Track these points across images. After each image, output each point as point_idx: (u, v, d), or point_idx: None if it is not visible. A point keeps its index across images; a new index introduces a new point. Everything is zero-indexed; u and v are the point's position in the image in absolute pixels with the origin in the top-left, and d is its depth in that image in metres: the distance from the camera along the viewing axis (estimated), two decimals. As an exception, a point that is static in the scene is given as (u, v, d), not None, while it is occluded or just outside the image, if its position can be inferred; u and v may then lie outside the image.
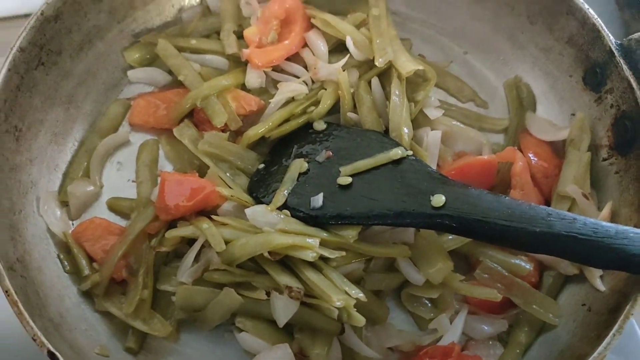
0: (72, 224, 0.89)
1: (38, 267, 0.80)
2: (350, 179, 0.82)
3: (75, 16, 0.91)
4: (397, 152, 0.82)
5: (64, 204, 0.89)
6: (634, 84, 0.83)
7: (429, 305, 0.85)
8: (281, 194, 0.82)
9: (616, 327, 0.70)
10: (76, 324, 0.79)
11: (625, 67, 0.84)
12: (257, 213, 0.81)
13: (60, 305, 0.79)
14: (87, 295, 0.83)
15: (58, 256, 0.85)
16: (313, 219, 0.80)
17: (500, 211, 0.72)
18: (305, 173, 0.85)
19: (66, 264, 0.84)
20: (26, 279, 0.76)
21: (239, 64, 0.98)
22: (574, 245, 0.68)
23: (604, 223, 0.69)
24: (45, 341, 0.66)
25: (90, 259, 0.85)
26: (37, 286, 0.77)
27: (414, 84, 0.95)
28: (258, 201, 0.85)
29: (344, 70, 0.94)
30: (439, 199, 0.75)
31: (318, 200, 0.81)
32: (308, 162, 0.86)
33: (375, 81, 0.95)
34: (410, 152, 0.83)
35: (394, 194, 0.79)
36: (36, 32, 0.85)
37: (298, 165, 0.85)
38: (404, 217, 0.77)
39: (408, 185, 0.79)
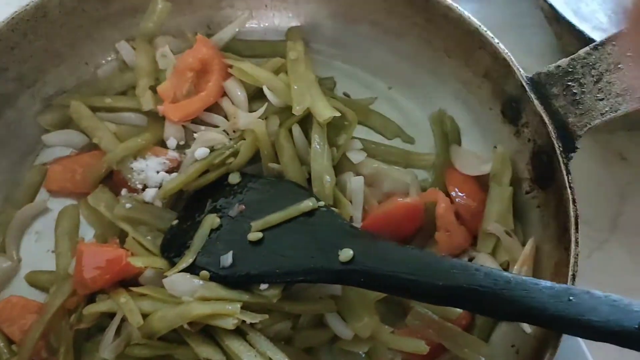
0: (-11, 304, 0.85)
1: (-51, 359, 0.77)
2: (261, 235, 0.81)
3: (-21, 88, 0.88)
4: (307, 204, 0.81)
5: (-21, 284, 0.85)
6: (546, 119, 0.83)
7: (363, 358, 0.84)
8: (189, 255, 0.80)
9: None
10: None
11: (536, 101, 0.84)
12: (175, 282, 0.79)
13: (-24, 396, 0.76)
14: (7, 381, 0.80)
15: (-26, 342, 0.81)
16: (222, 279, 0.78)
17: (407, 265, 0.72)
18: (217, 229, 0.84)
19: (-16, 349, 0.81)
20: None
21: (157, 118, 0.96)
22: (476, 297, 0.68)
23: (505, 274, 0.69)
24: None
25: (10, 341, 0.82)
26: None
27: (336, 127, 0.94)
28: (170, 261, 0.83)
29: (265, 118, 0.93)
30: (346, 254, 0.75)
31: (227, 258, 0.80)
32: (221, 217, 0.85)
33: (296, 128, 0.94)
34: (322, 203, 0.82)
35: (304, 250, 0.78)
36: None
37: (210, 222, 0.84)
38: (312, 274, 0.77)
39: (318, 239, 0.79)
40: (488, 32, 0.90)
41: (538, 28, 1.22)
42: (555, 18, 1.13)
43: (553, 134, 0.82)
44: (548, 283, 0.68)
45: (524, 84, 0.85)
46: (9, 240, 0.89)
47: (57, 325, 0.81)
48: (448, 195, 0.92)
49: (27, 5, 0.90)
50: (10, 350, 0.81)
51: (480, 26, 0.90)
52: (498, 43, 0.89)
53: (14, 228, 0.89)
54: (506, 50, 0.88)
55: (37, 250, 0.90)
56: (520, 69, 0.86)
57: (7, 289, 0.87)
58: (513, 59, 0.87)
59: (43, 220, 0.92)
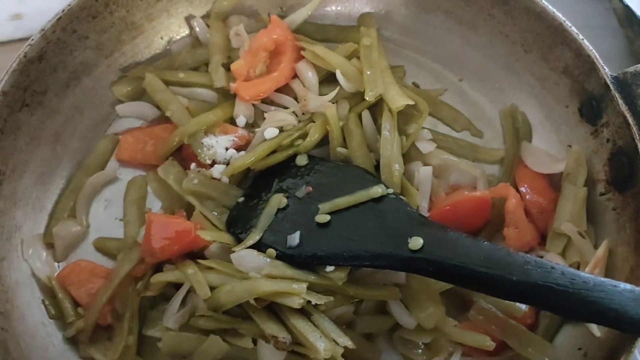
0: (58, 266, 0.87)
1: (21, 316, 0.79)
2: (328, 217, 0.80)
3: (60, 55, 0.90)
4: (377, 191, 0.81)
5: (50, 246, 0.88)
6: (630, 120, 0.80)
7: (422, 347, 0.83)
8: (257, 232, 0.81)
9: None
10: (60, 373, 0.78)
11: (620, 101, 0.81)
12: (243, 258, 0.79)
13: (43, 354, 0.79)
14: (72, 341, 0.82)
15: (43, 302, 0.84)
16: (289, 258, 0.79)
17: (478, 257, 0.70)
18: (284, 209, 0.84)
19: (51, 309, 0.83)
20: (7, 331, 0.75)
21: (227, 96, 0.97)
22: (550, 295, 0.67)
23: (582, 274, 0.67)
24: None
25: (76, 304, 0.84)
26: (19, 337, 0.77)
27: (406, 115, 0.93)
28: (236, 237, 0.83)
29: (334, 102, 0.93)
30: (416, 242, 0.74)
31: (294, 238, 0.80)
32: (287, 198, 0.85)
33: (366, 114, 0.93)
34: (390, 191, 0.82)
35: (372, 235, 0.77)
36: (19, 75, 0.84)
37: (277, 201, 0.84)
38: (380, 260, 0.76)
39: (386, 225, 0.78)
40: (573, 28, 0.87)
41: (607, 30, 1.18)
42: (629, 20, 1.09)
43: (637, 135, 0.79)
44: (628, 286, 0.66)
45: (609, 82, 0.82)
46: (79, 206, 0.90)
47: (124, 292, 0.82)
48: (517, 191, 0.90)
49: (111, -24, 0.92)
50: (76, 313, 0.83)
51: (564, 21, 0.88)
52: (583, 40, 0.86)
53: (85, 194, 0.91)
54: (590, 47, 0.86)
55: (106, 217, 0.92)
56: (605, 67, 0.84)
57: (75, 253, 0.89)
58: (598, 57, 0.85)
59: (112, 189, 0.94)
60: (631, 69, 0.82)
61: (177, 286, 0.82)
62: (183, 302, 0.81)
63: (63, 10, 0.88)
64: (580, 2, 1.22)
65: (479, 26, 0.99)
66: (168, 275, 0.81)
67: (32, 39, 0.86)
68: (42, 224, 0.89)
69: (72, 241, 0.89)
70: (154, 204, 0.93)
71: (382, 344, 0.84)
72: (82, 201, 0.91)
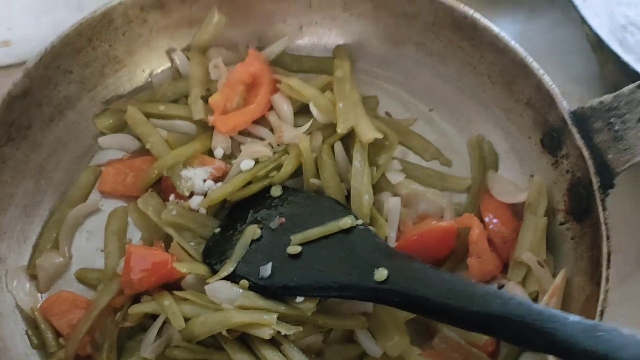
0: (41, 297, 0.91)
1: (4, 347, 0.83)
2: (300, 248, 0.84)
3: (45, 90, 0.93)
4: (346, 222, 0.84)
5: (33, 277, 0.91)
6: (585, 153, 0.84)
7: (389, 374, 0.86)
8: (231, 264, 0.84)
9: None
10: (41, 403, 0.81)
11: (577, 135, 0.85)
12: (217, 289, 0.83)
13: (26, 384, 0.82)
14: (54, 371, 0.86)
15: (26, 332, 0.87)
16: (261, 289, 0.82)
17: (441, 288, 0.74)
18: (258, 240, 0.88)
19: (34, 339, 0.87)
20: (-10, 363, 0.78)
21: (206, 128, 1.01)
22: (508, 325, 0.70)
23: (538, 305, 0.71)
24: None
25: (58, 334, 0.87)
26: (2, 368, 0.80)
27: (377, 146, 0.97)
28: (211, 268, 0.87)
29: (309, 133, 0.97)
30: (382, 273, 0.77)
31: (267, 269, 0.83)
32: (262, 229, 0.88)
33: (338, 145, 0.97)
34: (360, 222, 0.85)
35: (341, 266, 0.81)
36: (4, 112, 0.88)
37: (251, 232, 0.88)
38: (348, 290, 0.80)
39: (355, 256, 0.81)
40: (534, 63, 0.91)
41: (581, 55, 1.21)
42: (599, 47, 1.13)
43: (592, 168, 0.83)
44: (577, 317, 0.69)
45: (567, 117, 0.86)
46: (62, 238, 0.94)
47: (103, 322, 0.86)
48: (482, 220, 0.93)
49: (95, 12, 0.96)
50: (57, 343, 0.86)
51: (526, 56, 0.91)
52: (544, 74, 0.90)
53: (68, 226, 0.95)
54: (551, 82, 0.90)
55: (88, 248, 0.95)
56: (564, 102, 0.88)
57: (58, 284, 0.92)
58: (557, 91, 0.89)
59: (94, 220, 0.97)
60: (587, 104, 0.86)
61: (154, 317, 0.85)
62: (159, 333, 0.84)
63: (46, 48, 0.92)
64: (556, 26, 1.26)
65: (448, 58, 1.02)
66: (145, 306, 0.84)
67: (17, 78, 0.89)
68: (26, 255, 0.93)
69: (55, 272, 0.92)
70: (135, 234, 0.96)
71: (352, 371, 0.88)
72: (65, 233, 0.95)
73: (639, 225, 1.09)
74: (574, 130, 0.86)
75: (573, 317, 0.70)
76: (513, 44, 0.93)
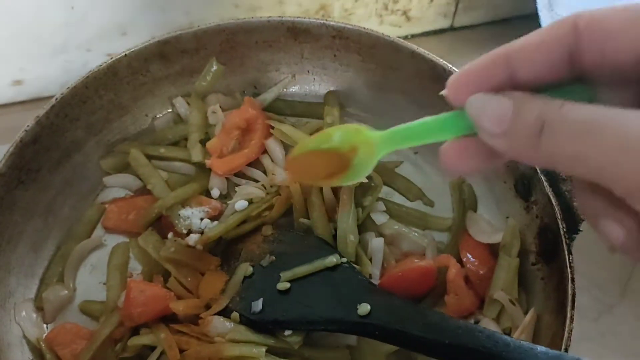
0: (47, 328, 0.97)
1: (11, 377, 0.89)
2: (288, 285, 0.91)
3: (54, 136, 1.01)
4: (332, 260, 0.91)
5: (40, 309, 0.97)
6: (553, 201, 0.91)
7: (372, 405, 0.92)
8: (224, 300, 0.91)
9: None
10: None
11: (545, 183, 0.92)
12: (209, 323, 0.89)
13: (31, 411, 0.88)
14: (57, 399, 0.91)
15: (32, 362, 0.93)
16: (251, 323, 0.88)
17: (417, 322, 0.80)
18: (250, 276, 0.94)
19: (39, 368, 0.93)
20: (-2, 392, 0.84)
21: (204, 169, 1.08)
22: (478, 356, 0.76)
23: (505, 337, 0.77)
24: None
25: (61, 363, 0.93)
26: (10, 397, 0.86)
27: (363, 188, 1.04)
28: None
29: (299, 176, 1.04)
30: (364, 308, 0.84)
31: (258, 305, 0.89)
32: (253, 266, 0.95)
33: (327, 188, 1.04)
34: (344, 260, 0.92)
35: (326, 301, 0.87)
36: (15, 157, 0.95)
37: (244, 269, 0.94)
38: (333, 324, 0.86)
39: (339, 292, 0.88)
40: (506, 115, 0.98)
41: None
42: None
43: (559, 214, 0.90)
44: (542, 348, 0.75)
45: (536, 166, 0.93)
46: (68, 271, 1.00)
47: (104, 353, 0.91)
48: (460, 259, 1.00)
49: (101, 65, 1.04)
50: (61, 372, 0.92)
51: (499, 109, 0.99)
52: (515, 126, 0.97)
53: (73, 260, 1.01)
54: (522, 133, 0.97)
55: (91, 281, 1.01)
56: (533, 152, 0.95)
57: (62, 315, 0.98)
58: (527, 142, 0.96)
59: (98, 254, 1.03)
60: (555, 154, 0.93)
61: (152, 348, 0.91)
62: (157, 362, 0.90)
63: (56, 99, 0.99)
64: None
65: (429, 106, 1.05)
66: (143, 338, 0.90)
67: (28, 125, 0.97)
68: (33, 289, 0.99)
69: (60, 304, 0.98)
70: (136, 268, 1.03)
71: (338, 401, 0.93)
72: (70, 267, 1.01)
73: (620, 256, 1.14)
74: (542, 178, 0.93)
75: (539, 348, 0.76)
76: (489, 95, 1.00)
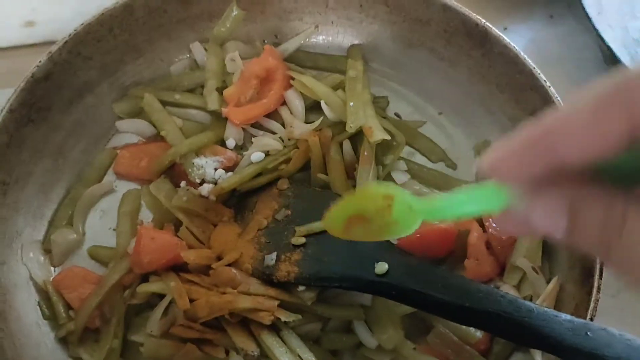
0: (54, 271, 0.95)
1: (17, 317, 0.86)
2: (303, 240, 0.88)
3: (66, 74, 0.97)
4: None
5: (48, 251, 0.95)
6: (585, 166, 0.86)
7: (383, 365, 0.90)
8: (236, 251, 0.88)
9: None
10: (49, 371, 0.85)
11: (578, 148, 0.87)
12: (221, 274, 0.86)
13: (35, 353, 0.86)
14: (63, 342, 0.90)
15: (38, 303, 0.91)
16: (264, 276, 0.86)
17: (437, 284, 0.78)
18: (263, 229, 0.91)
19: (46, 310, 0.91)
20: (4, 331, 0.82)
21: (220, 118, 1.04)
22: (498, 321, 0.74)
23: (528, 303, 0.74)
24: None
25: (68, 307, 0.91)
26: (14, 336, 0.84)
27: (385, 146, 1.00)
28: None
29: (319, 130, 1.00)
30: (382, 267, 0.81)
31: (272, 258, 0.86)
32: (267, 220, 0.91)
33: (346, 143, 1.00)
34: None
35: (342, 258, 0.84)
36: (26, 94, 0.91)
37: (257, 222, 0.91)
38: (348, 282, 0.83)
39: (356, 250, 0.84)
40: (541, 75, 0.94)
41: (595, 63, 1.23)
42: (611, 59, 1.15)
43: (590, 180, 0.86)
44: (568, 316, 0.73)
45: (569, 130, 0.89)
46: (77, 215, 0.98)
47: (112, 298, 0.89)
48: (482, 223, 0.96)
49: (117, 2, 0.99)
50: (68, 316, 0.90)
51: (534, 68, 0.94)
52: (550, 87, 0.93)
53: (82, 204, 0.98)
54: (557, 95, 0.92)
55: (101, 227, 0.99)
56: (567, 115, 0.90)
57: (70, 259, 0.96)
58: (562, 104, 0.91)
59: (108, 200, 1.01)
60: (591, 118, 0.88)
61: (161, 296, 0.89)
62: (165, 311, 0.88)
63: (69, 35, 0.95)
64: (572, 34, 1.27)
65: (458, 64, 1.05)
66: (153, 286, 0.88)
67: (40, 61, 0.93)
68: (42, 231, 0.96)
69: (68, 248, 0.96)
70: (147, 216, 1.00)
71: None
72: (80, 211, 0.98)
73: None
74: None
75: (564, 316, 0.73)
76: (522, 55, 0.95)
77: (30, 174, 0.95)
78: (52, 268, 0.95)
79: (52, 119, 0.97)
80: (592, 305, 0.79)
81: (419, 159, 1.07)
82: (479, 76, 1.03)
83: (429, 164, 1.06)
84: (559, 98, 0.92)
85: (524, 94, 0.97)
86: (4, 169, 0.90)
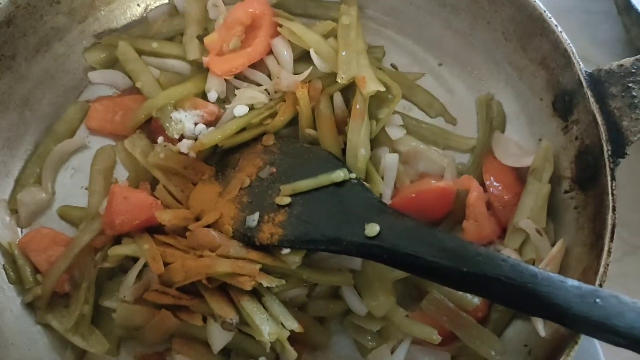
0: (21, 232, 0.88)
1: (-22, 281, 0.81)
2: (289, 199, 0.81)
3: (30, 19, 0.89)
4: (339, 175, 0.81)
5: (14, 211, 0.89)
6: (599, 119, 0.79)
7: (373, 333, 0.84)
8: (216, 211, 0.81)
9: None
10: (14, 338, 0.81)
11: (592, 99, 0.80)
12: (198, 236, 0.80)
13: (0, 318, 0.80)
14: (30, 307, 0.84)
15: (3, 266, 0.85)
16: (245, 239, 0.79)
17: (432, 247, 0.71)
18: (246, 188, 0.84)
19: (11, 274, 0.85)
20: (-37, 295, 0.77)
21: (200, 69, 0.96)
22: (499, 287, 0.67)
23: (532, 267, 0.68)
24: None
25: (36, 270, 0.85)
26: (-25, 301, 0.78)
27: (379, 99, 0.92)
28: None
29: (307, 82, 0.92)
30: (373, 229, 0.74)
31: (254, 219, 0.80)
32: (250, 178, 0.85)
33: (337, 96, 0.92)
34: (353, 176, 0.81)
35: (330, 219, 0.78)
36: (-15, 40, 0.83)
37: (240, 180, 0.84)
38: (336, 244, 0.76)
39: (345, 210, 0.78)
40: (552, 19, 0.85)
41: (607, 16, 1.16)
42: (626, 9, 1.07)
43: (604, 135, 0.78)
44: (575, 282, 0.66)
45: (582, 78, 0.81)
46: (46, 173, 0.91)
47: (83, 261, 0.83)
48: (483, 183, 0.89)
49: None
50: (35, 279, 0.85)
51: (545, 11, 0.85)
52: (561, 32, 0.84)
53: (52, 161, 0.92)
54: (568, 41, 0.84)
55: (72, 185, 0.92)
56: (580, 63, 0.82)
57: (39, 220, 0.90)
58: (574, 51, 0.83)
59: (80, 157, 0.94)
60: (605, 66, 0.80)
61: (135, 259, 0.83)
62: (139, 276, 0.82)
63: (32, -26, 0.87)
64: (584, -17, 1.19)
65: (461, 10, 0.96)
66: (125, 248, 0.82)
67: (0, 3, 0.85)
68: (8, 189, 0.90)
69: (37, 208, 0.90)
70: (122, 174, 0.93)
71: (334, 327, 0.86)
72: (49, 168, 0.92)
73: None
74: (588, 93, 0.80)
75: (571, 282, 0.66)
76: (532, -2, 0.87)
77: (-6, 128, 0.88)
78: (18, 229, 0.89)
79: (16, 68, 0.90)
80: (601, 270, 0.73)
81: (417, 113, 0.99)
82: (484, 23, 0.95)
83: (427, 120, 0.98)
84: (571, 45, 0.83)
85: (532, 41, 0.89)
86: (-38, 120, 0.82)
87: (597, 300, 0.65)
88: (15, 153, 0.91)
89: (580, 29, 1.14)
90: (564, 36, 0.84)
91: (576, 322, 0.66)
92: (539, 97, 0.91)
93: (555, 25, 0.85)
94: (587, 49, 1.07)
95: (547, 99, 0.89)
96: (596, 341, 0.87)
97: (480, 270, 0.68)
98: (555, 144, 0.88)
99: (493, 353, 0.80)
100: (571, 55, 0.83)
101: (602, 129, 0.79)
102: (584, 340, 0.73)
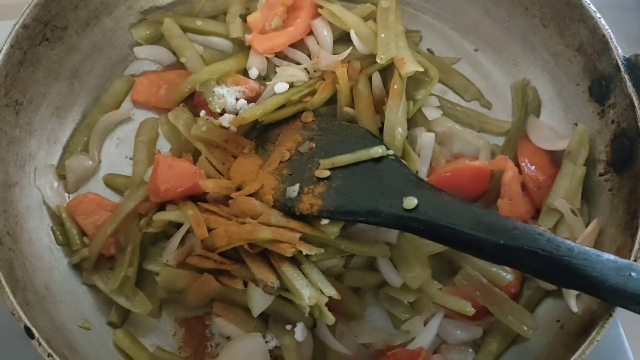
0: (68, 197, 0.92)
1: (29, 239, 0.84)
2: (328, 172, 0.83)
3: (82, -8, 0.92)
4: (377, 151, 0.82)
5: (62, 177, 0.92)
6: (636, 102, 0.80)
7: (406, 305, 0.86)
8: (257, 181, 0.84)
9: (579, 351, 0.70)
10: (62, 296, 0.83)
11: (629, 83, 0.81)
12: (241, 204, 0.82)
13: (48, 277, 0.83)
14: (76, 268, 0.87)
15: (52, 228, 0.88)
16: (286, 208, 0.81)
17: (469, 220, 0.72)
18: (286, 161, 0.86)
19: (59, 236, 0.88)
20: (14, 251, 0.79)
21: (243, 47, 0.99)
22: (535, 260, 0.69)
23: (568, 242, 0.69)
24: (23, 316, 0.70)
25: (82, 233, 0.88)
26: (26, 258, 0.81)
27: (416, 81, 0.94)
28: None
29: (347, 62, 0.94)
30: (410, 202, 0.76)
31: (294, 190, 0.82)
32: (290, 152, 0.87)
33: (376, 76, 0.94)
34: (391, 152, 0.83)
35: (369, 192, 0.80)
36: (40, 9, 0.86)
37: (280, 153, 0.86)
38: (374, 216, 0.78)
39: (384, 184, 0.80)
40: (591, 5, 0.87)
41: (636, 12, 1.17)
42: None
43: (640, 118, 0.79)
44: (611, 256, 0.68)
45: (620, 63, 0.82)
46: (93, 142, 0.94)
47: (128, 226, 0.86)
48: (517, 165, 0.91)
49: None
50: (82, 242, 0.87)
51: (583, -3, 0.87)
52: (600, 18, 0.86)
53: (98, 131, 0.94)
54: (606, 27, 0.85)
55: (117, 155, 0.95)
56: (618, 47, 0.83)
57: (85, 186, 0.93)
58: (612, 36, 0.84)
59: (125, 128, 0.97)
60: (644, 51, 0.82)
61: (178, 225, 0.85)
62: (182, 241, 0.84)
63: (86, -50, 0.90)
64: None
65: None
66: (170, 214, 0.84)
67: (55, -24, 0.88)
68: (56, 155, 0.93)
69: (83, 174, 0.93)
70: (164, 146, 0.96)
71: (369, 299, 0.88)
72: (96, 137, 0.94)
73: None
74: (626, 77, 0.82)
75: (607, 256, 0.68)
76: (570, -17, 0.88)
77: (45, 96, 0.91)
78: (66, 194, 0.92)
79: (67, 39, 0.92)
80: (636, 247, 0.74)
81: (452, 97, 1.01)
82: (521, 8, 0.96)
83: (463, 103, 1.00)
84: (608, 30, 0.85)
85: (570, 27, 0.91)
86: (17, 87, 0.85)
87: (632, 273, 0.66)
88: (63, 122, 0.94)
89: (612, 23, 1.15)
90: (602, 22, 0.86)
91: (612, 294, 0.67)
92: (575, 83, 0.92)
93: (594, 11, 0.86)
94: (621, 45, 1.08)
95: (584, 84, 0.91)
96: (624, 336, 0.88)
97: (517, 243, 0.70)
98: (591, 128, 0.89)
99: (525, 329, 0.82)
100: (609, 40, 0.84)
101: (638, 112, 0.80)
102: (611, 326, 0.73)
